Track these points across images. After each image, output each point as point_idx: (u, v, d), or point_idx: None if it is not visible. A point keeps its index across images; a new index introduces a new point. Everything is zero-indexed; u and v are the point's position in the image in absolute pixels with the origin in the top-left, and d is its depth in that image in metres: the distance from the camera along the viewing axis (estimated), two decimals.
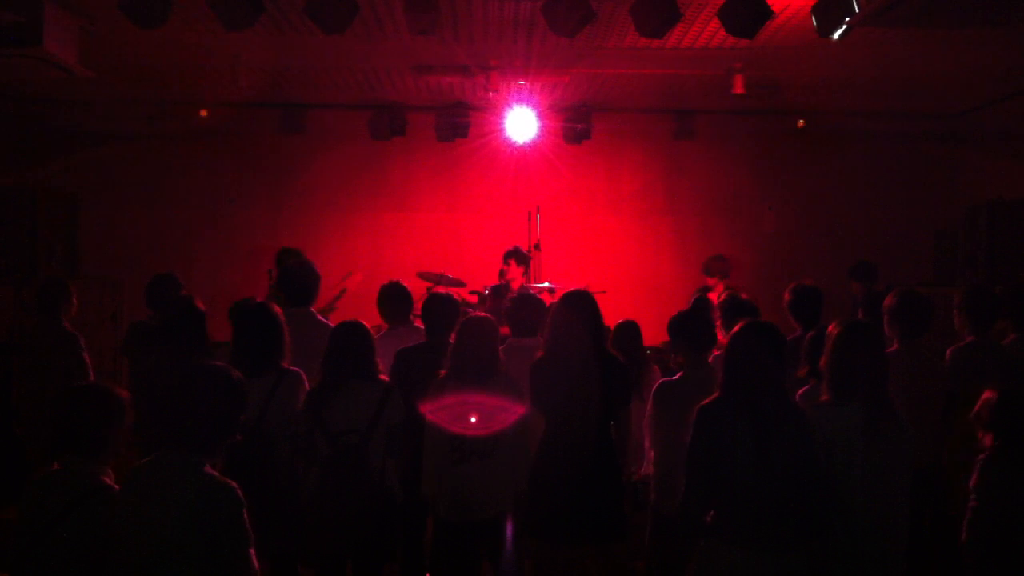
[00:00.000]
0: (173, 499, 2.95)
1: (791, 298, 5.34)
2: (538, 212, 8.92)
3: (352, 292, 8.87)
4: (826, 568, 3.40)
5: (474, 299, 7.79)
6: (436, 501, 4.49)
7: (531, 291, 6.46)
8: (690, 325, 4.65)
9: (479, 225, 10.15)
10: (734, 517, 3.29)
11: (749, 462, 3.26)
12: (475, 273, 8.19)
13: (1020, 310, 5.28)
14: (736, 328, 3.49)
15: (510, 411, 4.35)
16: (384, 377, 4.53)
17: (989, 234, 8.65)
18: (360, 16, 5.93)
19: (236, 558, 3.00)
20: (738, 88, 7.81)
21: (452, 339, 4.61)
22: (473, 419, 4.33)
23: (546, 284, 8.24)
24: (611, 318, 4.75)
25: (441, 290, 5.61)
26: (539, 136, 9.65)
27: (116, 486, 3.18)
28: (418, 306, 5.48)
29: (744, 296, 5.48)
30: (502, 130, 9.56)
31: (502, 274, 7.82)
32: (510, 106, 9.23)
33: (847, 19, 5.65)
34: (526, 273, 7.84)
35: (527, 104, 9.21)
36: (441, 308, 5.05)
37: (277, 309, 4.61)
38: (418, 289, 6.66)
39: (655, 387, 4.58)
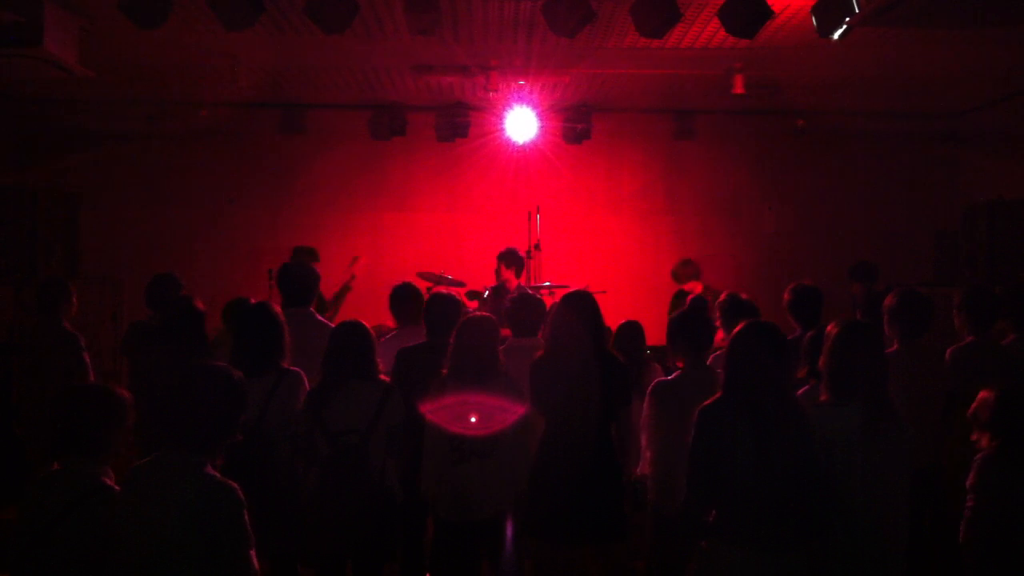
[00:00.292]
0: (173, 499, 2.95)
1: (791, 298, 5.35)
2: (538, 212, 8.92)
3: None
4: (826, 568, 3.39)
5: (473, 303, 7.79)
6: (436, 501, 4.49)
7: (527, 291, 6.47)
8: (690, 325, 4.65)
9: (479, 225, 10.15)
10: (735, 517, 3.29)
11: (750, 462, 3.26)
12: (475, 273, 8.19)
13: (1020, 310, 5.28)
14: (737, 328, 3.49)
15: (510, 411, 4.35)
16: (384, 377, 4.53)
17: (989, 234, 8.65)
18: (360, 16, 5.93)
19: (236, 558, 3.00)
20: (738, 88, 7.81)
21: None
22: (473, 419, 4.33)
23: (546, 284, 8.25)
24: (611, 318, 4.75)
25: (442, 290, 5.61)
26: (539, 136, 9.65)
27: (116, 486, 3.18)
28: None
29: (744, 296, 5.48)
30: (502, 130, 9.56)
31: (497, 275, 7.84)
32: (510, 106, 9.23)
33: (847, 19, 5.65)
34: (519, 274, 7.84)
35: (527, 104, 9.22)
36: (442, 308, 5.05)
37: (277, 309, 4.62)
38: None
39: (651, 386, 4.56)
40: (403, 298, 5.67)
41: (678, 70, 8.01)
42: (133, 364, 5.89)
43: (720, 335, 5.31)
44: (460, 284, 8.29)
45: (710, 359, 4.82)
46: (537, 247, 8.77)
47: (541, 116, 9.41)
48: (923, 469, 4.45)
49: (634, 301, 8.87)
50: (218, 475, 3.04)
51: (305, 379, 4.44)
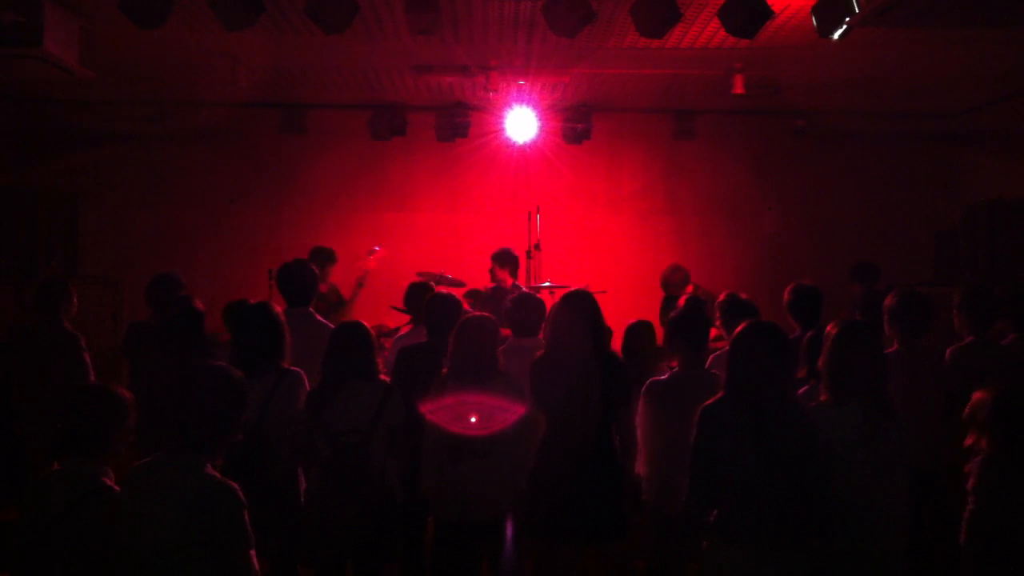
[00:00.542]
0: (173, 499, 2.95)
1: (791, 298, 5.35)
2: (538, 212, 8.91)
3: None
4: (827, 568, 3.40)
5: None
6: (436, 500, 4.49)
7: (524, 290, 6.49)
8: (689, 325, 4.65)
9: (479, 225, 10.14)
10: (736, 517, 3.30)
11: (751, 462, 3.26)
12: (475, 273, 8.18)
13: (1020, 310, 5.28)
14: (739, 328, 3.49)
15: (509, 411, 4.36)
16: (384, 377, 4.53)
17: (989, 234, 8.65)
18: (360, 16, 5.93)
19: (236, 558, 3.00)
20: (738, 88, 7.81)
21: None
22: (473, 419, 4.33)
23: (546, 284, 8.24)
24: (611, 318, 4.75)
25: (443, 290, 5.63)
26: (539, 136, 9.65)
27: (116, 486, 3.18)
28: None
29: (743, 296, 5.49)
30: (502, 130, 9.55)
31: (492, 276, 7.84)
32: (510, 106, 9.23)
33: (847, 19, 5.65)
34: (515, 274, 7.83)
35: (527, 104, 9.21)
36: (443, 308, 5.06)
37: (277, 308, 4.62)
38: None
39: (645, 386, 4.55)
40: (419, 295, 5.74)
41: (678, 70, 8.01)
42: (133, 364, 5.89)
43: (713, 333, 5.32)
44: (460, 284, 8.29)
45: (709, 360, 4.82)
46: (537, 247, 8.76)
47: (541, 116, 9.41)
48: (923, 469, 4.45)
49: (634, 301, 8.86)
50: (218, 475, 3.04)
51: (305, 379, 4.44)
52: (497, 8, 6.36)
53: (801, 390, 4.03)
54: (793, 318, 5.28)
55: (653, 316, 7.74)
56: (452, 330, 4.58)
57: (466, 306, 7.67)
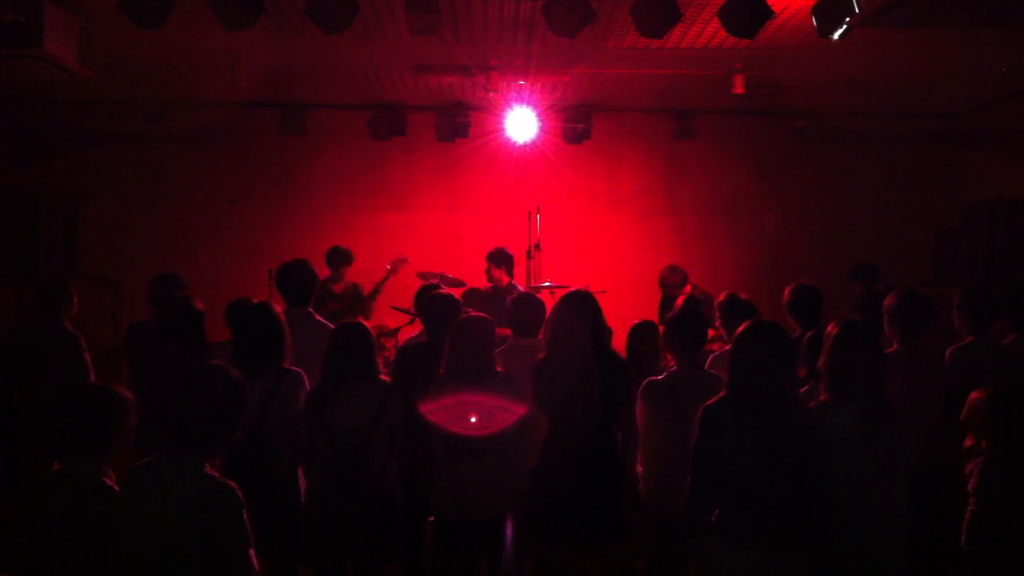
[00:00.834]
0: (173, 499, 2.95)
1: (790, 298, 5.35)
2: (538, 212, 8.92)
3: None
4: (827, 568, 3.40)
5: None
6: (436, 500, 4.49)
7: (520, 289, 6.50)
8: (687, 325, 4.64)
9: (479, 225, 10.14)
10: (737, 517, 3.29)
11: (752, 462, 3.26)
12: (475, 273, 8.18)
13: (1020, 310, 5.28)
14: (741, 328, 3.49)
15: (507, 411, 4.35)
16: (384, 377, 4.53)
17: (989, 234, 8.65)
18: (360, 16, 5.93)
19: (236, 558, 3.00)
20: (738, 88, 7.81)
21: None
22: (473, 419, 4.33)
23: (546, 284, 8.24)
24: (611, 318, 4.75)
25: (443, 290, 5.63)
26: (539, 136, 9.65)
27: (116, 486, 3.18)
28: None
29: (743, 296, 5.48)
30: (502, 130, 9.56)
31: (489, 276, 7.85)
32: (510, 106, 9.23)
33: (847, 19, 5.65)
34: (511, 272, 7.84)
35: (527, 104, 9.22)
36: (443, 309, 5.05)
37: (277, 309, 4.62)
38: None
39: (642, 386, 4.53)
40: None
41: (678, 70, 8.01)
42: (133, 364, 5.89)
43: (711, 333, 5.31)
44: (460, 284, 8.30)
45: (709, 360, 4.81)
46: (537, 247, 8.76)
47: (541, 116, 9.41)
48: (923, 469, 4.45)
49: (634, 301, 8.87)
50: (217, 475, 3.05)
51: (306, 379, 4.44)
52: (497, 8, 6.36)
53: (802, 390, 4.03)
54: (793, 318, 5.28)
55: (653, 316, 7.74)
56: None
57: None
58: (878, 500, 3.46)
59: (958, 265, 9.11)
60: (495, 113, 9.41)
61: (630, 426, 4.49)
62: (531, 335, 5.17)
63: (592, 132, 9.72)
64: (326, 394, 4.30)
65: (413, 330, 6.87)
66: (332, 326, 4.79)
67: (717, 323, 5.40)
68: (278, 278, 5.55)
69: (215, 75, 8.10)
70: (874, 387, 3.53)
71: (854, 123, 9.80)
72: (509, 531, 4.47)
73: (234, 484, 3.01)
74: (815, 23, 5.84)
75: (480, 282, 8.08)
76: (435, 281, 6.43)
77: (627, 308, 7.45)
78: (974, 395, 3.87)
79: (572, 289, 4.77)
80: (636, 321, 5.74)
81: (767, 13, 5.77)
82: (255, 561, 3.06)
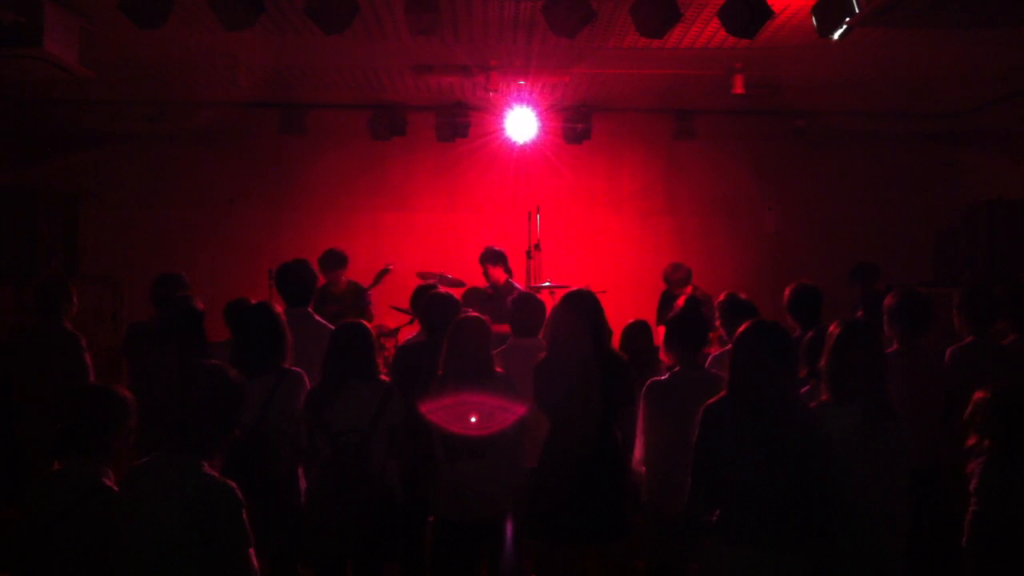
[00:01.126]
0: (172, 499, 2.95)
1: (790, 298, 5.35)
2: (538, 212, 8.92)
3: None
4: (827, 568, 3.40)
5: None
6: (436, 500, 4.49)
7: (518, 286, 6.49)
8: (688, 326, 4.64)
9: (479, 225, 10.14)
10: (738, 517, 3.29)
11: (753, 462, 3.26)
12: (475, 273, 8.19)
13: (1020, 310, 5.28)
14: (742, 328, 3.49)
15: (507, 411, 4.36)
16: (384, 377, 4.53)
17: (989, 234, 8.65)
18: (360, 16, 5.93)
19: (236, 558, 3.00)
20: (738, 88, 7.81)
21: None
22: (472, 419, 4.33)
23: (546, 284, 8.24)
24: (611, 318, 4.75)
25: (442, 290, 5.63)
26: (539, 136, 9.65)
27: (116, 487, 3.19)
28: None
29: (743, 296, 5.49)
30: (502, 130, 9.56)
31: (486, 276, 7.85)
32: (510, 106, 9.23)
33: (847, 19, 5.64)
34: (507, 270, 7.84)
35: (527, 104, 9.21)
36: (442, 308, 5.06)
37: (278, 309, 4.62)
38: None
39: (645, 386, 4.54)
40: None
41: (678, 70, 8.01)
42: (133, 364, 5.89)
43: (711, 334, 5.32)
44: (460, 284, 8.30)
45: (709, 360, 4.81)
46: (537, 247, 8.77)
47: (541, 116, 9.41)
48: (923, 469, 4.45)
49: (634, 301, 8.87)
50: (216, 474, 3.05)
51: (306, 379, 4.44)
52: (497, 8, 6.36)
53: (802, 390, 4.03)
54: (793, 318, 5.28)
55: (653, 316, 7.75)
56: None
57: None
58: (878, 500, 3.46)
59: (958, 265, 9.11)
60: (495, 113, 9.41)
61: (631, 426, 4.49)
62: (531, 335, 5.17)
63: (592, 132, 9.72)
64: (326, 394, 4.31)
65: (413, 330, 6.87)
66: (332, 326, 4.79)
67: (717, 323, 5.40)
68: (278, 278, 5.54)
69: (215, 75, 8.09)
70: (875, 387, 3.53)
71: (854, 123, 9.80)
72: (509, 531, 4.47)
73: (234, 484, 3.02)
74: (815, 23, 5.84)
75: (480, 282, 8.08)
76: (434, 281, 6.41)
77: (627, 308, 7.44)
78: (977, 395, 3.87)
79: (573, 289, 4.77)
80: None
81: (767, 13, 5.77)
82: (255, 561, 3.06)
